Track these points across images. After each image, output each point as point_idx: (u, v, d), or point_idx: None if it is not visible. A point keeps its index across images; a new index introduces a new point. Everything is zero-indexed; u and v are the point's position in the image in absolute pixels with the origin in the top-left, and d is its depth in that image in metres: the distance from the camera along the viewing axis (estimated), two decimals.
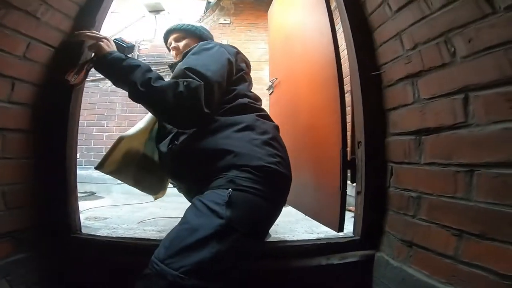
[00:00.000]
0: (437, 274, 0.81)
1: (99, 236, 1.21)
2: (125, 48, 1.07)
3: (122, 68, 0.89)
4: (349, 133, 1.29)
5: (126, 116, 3.78)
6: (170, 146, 1.00)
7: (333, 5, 1.40)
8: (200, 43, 1.08)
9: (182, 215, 0.85)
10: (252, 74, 4.22)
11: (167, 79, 0.92)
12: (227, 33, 4.03)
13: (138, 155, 1.19)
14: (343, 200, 1.14)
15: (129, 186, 1.28)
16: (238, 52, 1.14)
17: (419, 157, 0.91)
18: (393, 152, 1.05)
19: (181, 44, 1.27)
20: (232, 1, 4.04)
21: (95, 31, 1.01)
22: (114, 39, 1.03)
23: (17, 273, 0.92)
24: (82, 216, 1.83)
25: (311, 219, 1.53)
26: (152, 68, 0.92)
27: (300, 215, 1.71)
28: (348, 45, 1.22)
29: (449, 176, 0.79)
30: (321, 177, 1.38)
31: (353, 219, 1.21)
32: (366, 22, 1.16)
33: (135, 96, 0.89)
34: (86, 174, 3.28)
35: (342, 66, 1.26)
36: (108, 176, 1.22)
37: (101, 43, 0.92)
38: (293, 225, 1.63)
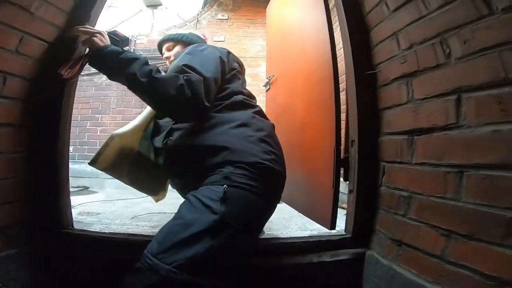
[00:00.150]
0: (425, 273, 0.82)
1: (92, 231, 1.20)
2: (119, 41, 1.06)
3: (119, 61, 0.88)
4: (343, 131, 1.29)
5: (121, 111, 3.75)
6: (164, 141, 1.01)
7: (331, 3, 1.40)
8: (193, 45, 1.11)
9: (176, 211, 0.84)
10: (249, 70, 4.23)
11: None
12: (225, 29, 4.01)
13: (132, 153, 1.17)
14: (335, 198, 1.15)
15: None
16: (229, 52, 1.16)
17: (411, 157, 0.92)
18: (386, 152, 1.05)
19: (173, 52, 1.32)
20: None
21: (89, 26, 1.00)
22: (108, 32, 1.01)
23: (7, 269, 0.91)
24: (74, 211, 1.82)
25: (304, 216, 1.54)
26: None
27: (294, 212, 1.72)
28: (344, 43, 1.22)
29: (440, 176, 0.80)
30: (315, 174, 1.39)
31: (345, 216, 1.22)
32: (364, 21, 1.16)
33: (135, 87, 0.89)
34: (80, 168, 3.25)
35: (339, 65, 1.27)
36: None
37: (95, 38, 0.91)
38: (286, 221, 1.63)
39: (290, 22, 1.84)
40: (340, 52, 1.29)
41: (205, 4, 4.15)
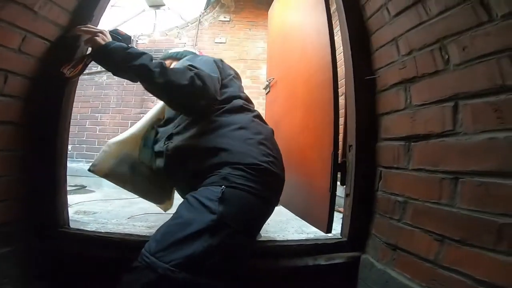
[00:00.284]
0: (418, 278, 0.82)
1: (88, 231, 1.19)
2: (121, 40, 1.05)
3: (127, 55, 0.88)
4: (341, 135, 1.30)
5: (120, 110, 3.75)
6: (165, 144, 1.02)
7: (333, 7, 1.40)
8: (189, 56, 1.17)
9: (172, 212, 0.85)
10: (249, 72, 4.24)
11: None
12: (227, 31, 4.02)
13: (131, 160, 1.18)
14: (332, 201, 1.15)
15: None
16: (222, 61, 1.21)
17: (408, 162, 0.92)
18: (383, 157, 1.06)
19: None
20: None
21: (91, 26, 1.00)
22: (110, 31, 1.01)
23: (2, 266, 0.90)
24: (71, 210, 1.81)
25: (301, 219, 1.54)
26: None
27: (291, 214, 1.72)
28: (345, 48, 1.22)
29: (435, 182, 0.80)
30: (312, 178, 1.39)
31: (341, 220, 1.22)
32: (364, 26, 1.17)
33: (147, 79, 0.89)
34: (77, 167, 3.24)
35: (338, 69, 1.27)
36: None
37: (97, 37, 0.91)
38: (283, 224, 1.63)
39: (291, 25, 1.85)
40: (340, 56, 1.30)
41: (207, 5, 4.16)
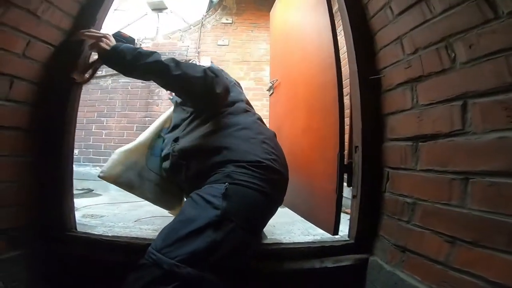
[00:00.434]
0: (428, 280, 0.81)
1: (95, 234, 1.19)
2: (124, 42, 1.07)
3: (138, 54, 0.90)
4: (347, 135, 1.29)
5: (126, 114, 3.77)
6: (172, 146, 1.06)
7: (335, 7, 1.39)
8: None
9: None
10: (252, 74, 4.24)
11: None
12: (229, 33, 4.02)
13: (138, 166, 1.22)
14: (338, 203, 1.14)
15: None
16: (223, 70, 1.24)
17: (415, 163, 0.91)
18: (390, 158, 1.04)
19: None
20: (234, 0, 4.03)
21: (94, 30, 1.00)
22: (113, 34, 1.01)
23: (10, 271, 0.91)
24: (78, 214, 1.83)
25: (307, 221, 1.53)
26: None
27: (297, 216, 1.71)
28: (348, 48, 1.21)
29: (445, 183, 0.79)
30: (318, 179, 1.38)
31: (348, 221, 1.20)
32: (367, 25, 1.16)
33: (162, 73, 0.91)
34: (84, 171, 3.28)
35: (342, 69, 1.26)
36: None
37: (101, 42, 0.91)
38: (289, 226, 1.62)
39: (294, 26, 1.84)
40: (344, 56, 1.29)
41: (209, 8, 4.18)
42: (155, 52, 0.92)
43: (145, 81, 1.03)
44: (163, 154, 1.16)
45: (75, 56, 1.11)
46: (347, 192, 1.24)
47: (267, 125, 2.30)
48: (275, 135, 1.12)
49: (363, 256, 1.08)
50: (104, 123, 3.77)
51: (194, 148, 0.99)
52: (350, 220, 1.18)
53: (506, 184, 0.63)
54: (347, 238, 1.16)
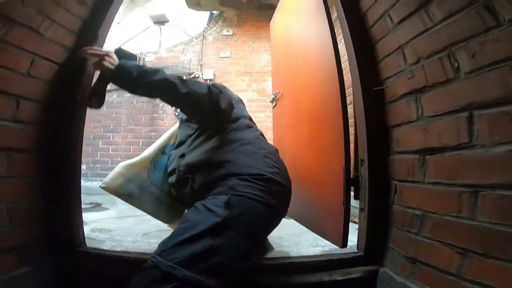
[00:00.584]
0: None
1: (104, 249, 1.21)
2: (126, 59, 1.06)
3: (144, 73, 0.91)
4: (352, 144, 1.27)
5: (132, 129, 3.82)
6: (178, 161, 1.09)
7: (334, 14, 1.37)
8: None
9: None
10: (255, 85, 4.25)
11: None
12: (230, 45, 4.05)
13: (140, 180, 1.25)
14: (346, 216, 1.13)
15: None
16: (225, 87, 1.23)
17: (423, 176, 0.89)
18: (397, 170, 1.03)
19: None
20: (234, 12, 4.06)
21: (97, 48, 1.00)
22: (115, 51, 1.00)
23: (22, 286, 0.93)
24: (87, 228, 1.83)
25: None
26: None
27: (305, 227, 1.69)
28: (350, 58, 1.21)
29: (454, 196, 0.77)
30: (324, 192, 1.36)
31: (357, 231, 1.19)
32: (368, 34, 1.16)
33: (169, 91, 0.93)
34: (92, 186, 3.30)
35: (345, 77, 1.25)
36: None
37: (104, 61, 0.92)
38: (297, 237, 1.60)
39: (294, 37, 1.84)
40: (346, 64, 1.28)
41: (210, 20, 4.23)
42: (160, 69, 0.94)
43: (151, 99, 1.05)
44: (169, 169, 1.18)
45: (79, 74, 1.12)
46: (354, 201, 1.22)
47: (271, 136, 2.31)
48: (277, 150, 1.15)
49: (372, 268, 1.06)
50: (111, 138, 3.82)
51: (199, 162, 1.02)
52: (359, 232, 1.16)
53: None
54: (356, 250, 1.15)
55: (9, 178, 0.96)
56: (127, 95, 3.76)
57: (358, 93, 1.14)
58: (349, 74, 1.24)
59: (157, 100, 3.70)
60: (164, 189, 1.28)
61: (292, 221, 1.74)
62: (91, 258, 1.12)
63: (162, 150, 1.35)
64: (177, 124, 1.38)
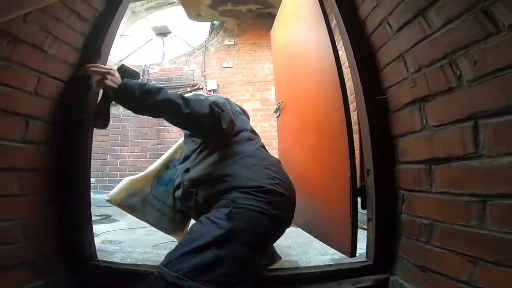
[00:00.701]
0: None
1: (114, 262, 1.22)
2: (129, 77, 1.03)
3: (148, 92, 0.91)
4: (358, 152, 1.26)
5: (138, 142, 3.86)
6: (183, 176, 1.12)
7: (333, 23, 1.37)
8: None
9: None
10: (258, 95, 4.25)
11: None
12: (233, 54, 4.06)
13: (143, 194, 1.32)
14: (354, 226, 1.12)
15: None
16: (228, 100, 1.28)
17: (430, 185, 0.89)
18: (403, 180, 1.03)
19: None
20: (235, 21, 4.09)
21: (99, 65, 0.99)
22: (117, 68, 1.00)
23: None
24: (98, 240, 1.85)
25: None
26: None
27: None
28: (351, 66, 1.21)
29: (462, 205, 0.77)
30: (331, 202, 1.36)
31: (366, 238, 1.18)
32: (368, 42, 1.15)
33: (172, 111, 0.94)
34: (101, 198, 3.30)
35: (348, 84, 1.24)
36: None
37: (106, 80, 0.91)
38: (306, 246, 1.60)
39: (295, 46, 1.83)
40: (348, 70, 1.27)
41: (211, 30, 4.27)
42: (163, 88, 0.94)
43: (153, 117, 1.06)
44: (175, 183, 1.20)
45: (85, 91, 1.12)
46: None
47: (276, 146, 2.30)
48: (279, 161, 1.16)
49: (383, 276, 1.05)
50: (118, 152, 3.86)
51: (202, 177, 1.04)
52: (367, 241, 1.16)
53: None
54: (365, 259, 1.14)
55: (22, 196, 0.98)
56: None
57: (361, 103, 1.14)
58: (351, 82, 1.23)
59: None
60: (168, 202, 1.34)
61: (299, 229, 1.73)
62: (103, 271, 1.13)
63: (166, 165, 1.40)
64: (181, 140, 1.41)
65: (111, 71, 0.94)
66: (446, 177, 0.83)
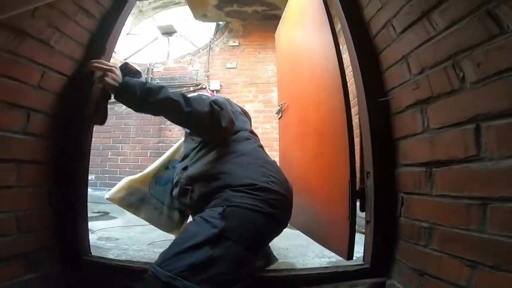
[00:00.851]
0: None
1: (108, 259, 1.21)
2: (131, 75, 1.04)
3: (149, 91, 0.91)
4: (358, 155, 1.26)
5: (140, 140, 3.86)
6: (180, 174, 1.13)
7: (337, 26, 1.38)
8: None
9: None
10: (261, 96, 4.27)
11: None
12: (237, 55, 4.08)
13: (141, 193, 1.37)
14: (352, 229, 1.11)
15: None
16: (228, 100, 1.29)
17: (430, 188, 0.88)
18: (403, 183, 1.02)
19: None
20: (240, 22, 4.11)
21: (103, 61, 1.00)
22: (120, 66, 1.00)
23: None
24: (94, 236, 1.86)
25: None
26: None
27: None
28: (354, 68, 1.21)
29: (462, 208, 0.76)
30: (330, 205, 1.35)
31: (363, 242, 1.17)
32: (371, 44, 1.15)
33: (172, 110, 0.95)
34: (101, 195, 3.33)
35: (351, 88, 1.24)
36: None
37: (106, 77, 0.92)
38: (303, 249, 1.59)
39: (299, 48, 1.84)
40: (351, 74, 1.27)
41: (216, 31, 4.29)
42: (163, 87, 0.94)
43: (154, 116, 1.06)
44: (174, 181, 1.22)
45: (88, 86, 1.11)
46: (363, 212, 1.20)
47: (277, 148, 2.30)
48: (275, 163, 1.15)
49: (379, 280, 1.04)
50: (120, 149, 3.86)
51: (198, 174, 1.05)
52: (365, 244, 1.14)
53: None
54: (362, 262, 1.13)
55: (19, 188, 0.97)
56: None
57: (363, 104, 1.14)
58: (353, 86, 1.23)
59: None
60: (166, 201, 1.39)
61: (298, 232, 1.72)
62: (97, 267, 1.13)
63: (165, 166, 1.45)
64: (181, 140, 1.44)
65: (112, 68, 0.94)
66: (446, 180, 0.82)
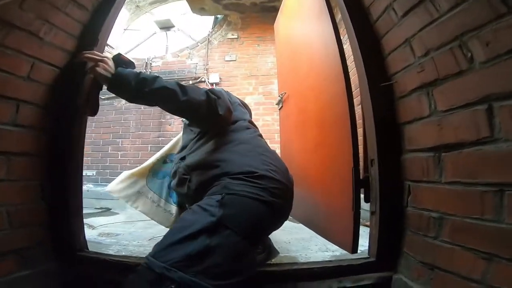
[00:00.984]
0: None
1: (104, 254, 1.19)
2: (124, 66, 1.01)
3: (143, 81, 0.90)
4: (361, 146, 1.22)
5: (140, 135, 3.84)
6: (178, 163, 1.13)
7: (338, 17, 1.35)
8: None
9: None
10: (261, 88, 4.24)
11: None
12: (236, 48, 4.04)
13: (139, 186, 1.44)
14: (356, 221, 1.08)
15: None
16: (227, 91, 1.28)
17: (440, 175, 0.84)
18: (410, 170, 0.98)
19: None
20: (238, 15, 4.06)
21: (96, 52, 0.96)
22: (113, 57, 0.97)
23: None
24: (95, 232, 1.86)
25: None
26: None
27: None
28: (355, 54, 1.17)
29: (475, 196, 0.72)
30: (333, 196, 1.31)
31: (368, 234, 1.14)
32: (372, 30, 1.12)
33: (168, 99, 0.93)
34: (102, 191, 3.34)
35: (352, 78, 1.22)
36: None
37: (98, 67, 0.89)
38: (306, 242, 1.56)
39: (298, 37, 1.82)
40: (352, 65, 1.25)
41: (215, 24, 4.24)
42: (158, 76, 0.93)
43: (150, 106, 1.04)
44: (172, 172, 1.21)
45: (80, 78, 1.08)
46: (366, 204, 1.17)
47: (278, 140, 2.27)
48: (275, 152, 1.13)
49: (386, 274, 1.01)
50: (120, 144, 3.85)
51: (196, 163, 1.04)
52: (370, 236, 1.11)
53: None
54: (367, 255, 1.09)
55: (9, 182, 0.95)
56: None
57: (365, 90, 1.10)
58: (356, 76, 1.20)
59: None
60: (163, 195, 1.44)
61: (301, 225, 1.70)
62: (92, 263, 1.11)
63: (163, 160, 1.49)
64: (179, 135, 1.46)
65: (104, 59, 0.91)
66: (457, 165, 0.78)
